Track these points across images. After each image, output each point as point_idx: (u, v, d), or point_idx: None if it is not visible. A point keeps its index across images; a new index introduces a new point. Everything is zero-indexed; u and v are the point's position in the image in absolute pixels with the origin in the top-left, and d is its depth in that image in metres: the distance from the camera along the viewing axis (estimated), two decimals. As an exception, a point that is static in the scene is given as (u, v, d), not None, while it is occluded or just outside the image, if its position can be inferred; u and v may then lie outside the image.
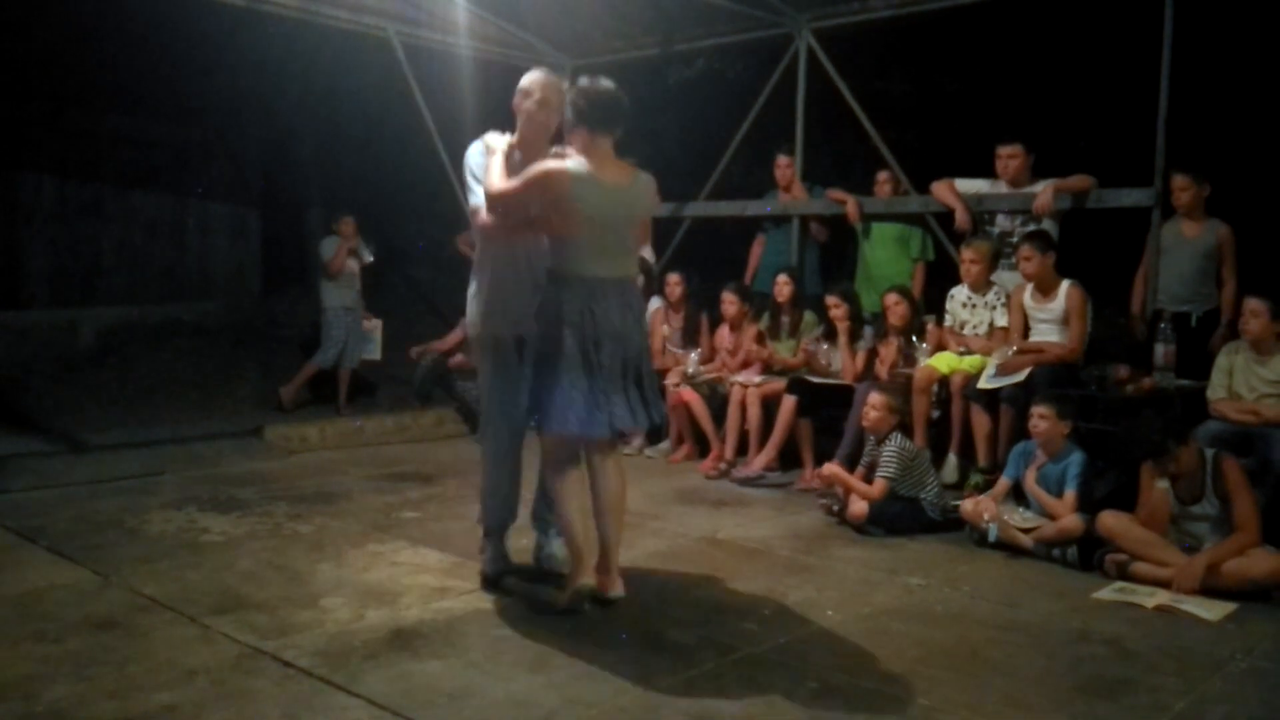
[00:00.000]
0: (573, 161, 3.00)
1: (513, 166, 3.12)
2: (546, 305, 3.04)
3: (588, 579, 3.18)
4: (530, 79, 3.21)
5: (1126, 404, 4.37)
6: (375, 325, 6.77)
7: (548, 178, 2.96)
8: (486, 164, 3.15)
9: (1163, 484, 3.56)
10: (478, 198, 3.19)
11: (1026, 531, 3.90)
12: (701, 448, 5.58)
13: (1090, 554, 3.72)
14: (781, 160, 6.18)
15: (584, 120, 3.02)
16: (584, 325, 2.98)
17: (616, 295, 3.05)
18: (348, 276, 6.53)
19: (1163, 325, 4.50)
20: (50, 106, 7.26)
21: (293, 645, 2.84)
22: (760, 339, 5.67)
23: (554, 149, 3.19)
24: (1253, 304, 4.04)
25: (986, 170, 5.32)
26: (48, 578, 3.39)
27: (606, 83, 3.08)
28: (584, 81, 3.09)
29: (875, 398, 4.35)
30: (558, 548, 3.46)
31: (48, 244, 7.53)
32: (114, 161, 7.75)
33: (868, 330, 5.36)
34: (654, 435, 5.86)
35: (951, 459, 4.81)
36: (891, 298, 5.18)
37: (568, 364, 2.96)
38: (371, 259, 6.64)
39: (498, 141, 3.21)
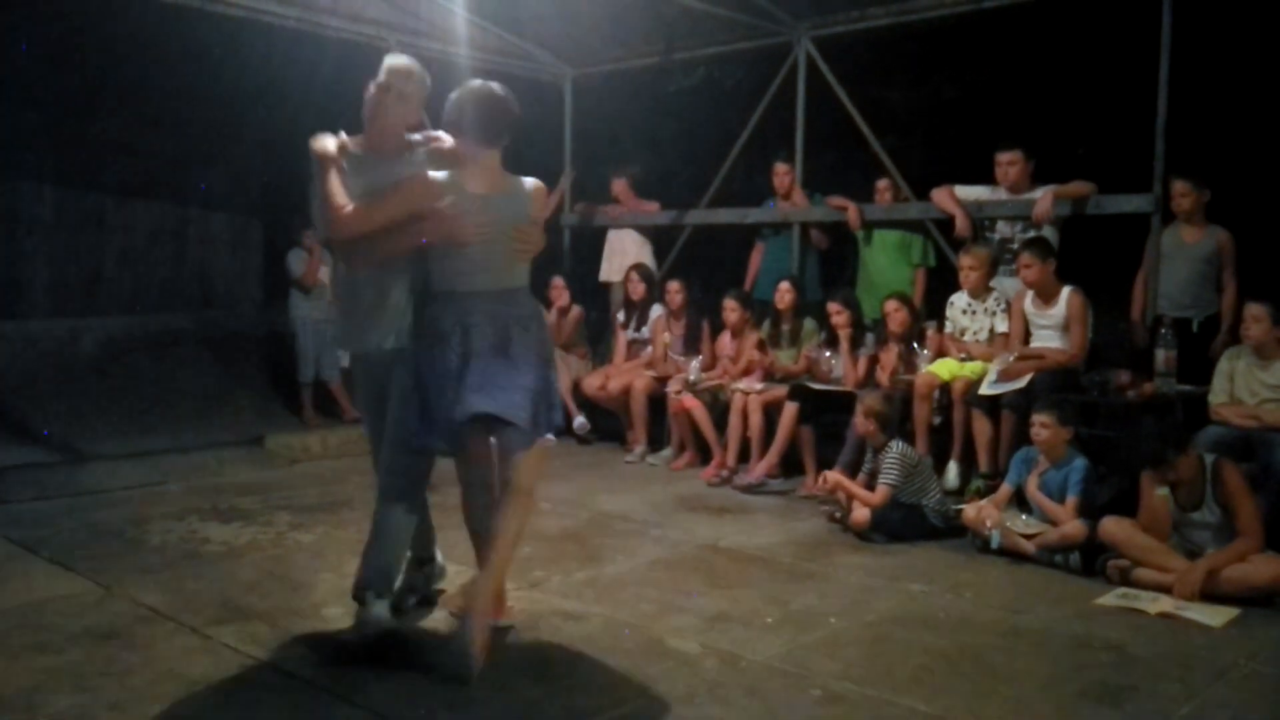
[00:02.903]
0: (443, 172, 2.84)
1: (364, 170, 2.86)
2: (423, 322, 2.87)
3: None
4: (394, 67, 2.91)
5: (1128, 410, 4.37)
6: None
7: (421, 190, 2.79)
8: (319, 173, 2.83)
9: (1163, 491, 3.56)
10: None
11: (1029, 538, 3.90)
12: (703, 455, 5.58)
13: (1093, 560, 3.72)
14: (780, 168, 6.19)
15: (466, 129, 2.82)
16: (456, 341, 2.79)
17: (494, 308, 2.84)
18: (319, 288, 6.54)
19: (1163, 331, 4.50)
20: (50, 116, 7.27)
21: (295, 655, 2.84)
22: (761, 346, 5.67)
23: (417, 137, 2.99)
24: (1254, 309, 4.04)
25: (986, 177, 5.34)
26: (49, 588, 3.38)
27: (497, 89, 2.85)
28: (475, 85, 2.85)
29: (857, 405, 4.37)
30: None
31: (48, 254, 7.53)
32: (114, 171, 7.75)
33: (869, 337, 5.36)
34: (656, 443, 5.88)
35: (953, 465, 4.81)
36: (892, 304, 5.18)
37: (436, 382, 2.80)
38: (330, 268, 6.61)
39: (326, 143, 2.87)
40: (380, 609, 2.88)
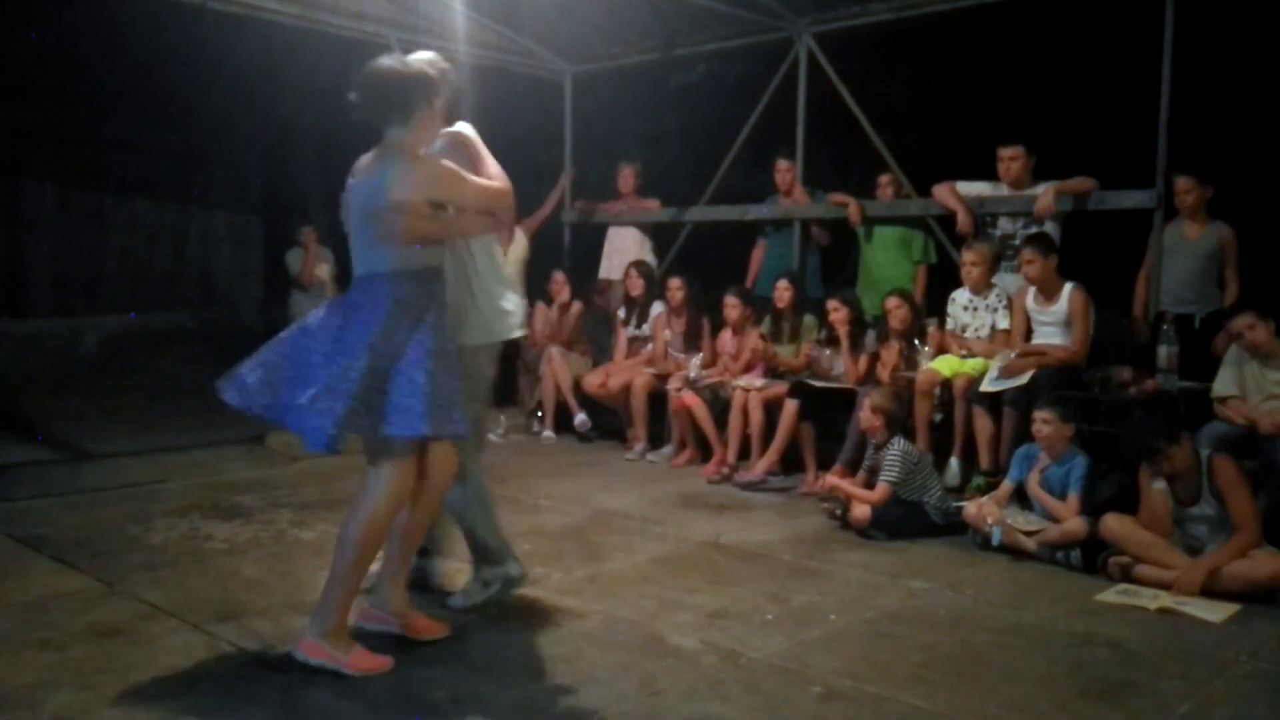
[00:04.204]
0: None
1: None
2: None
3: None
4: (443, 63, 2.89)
5: (1129, 406, 4.36)
6: None
7: None
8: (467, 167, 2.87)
9: (1160, 485, 3.56)
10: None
11: (1030, 535, 3.90)
12: (704, 452, 5.58)
13: (1094, 557, 3.71)
14: (781, 164, 6.19)
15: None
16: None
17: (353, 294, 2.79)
18: (317, 286, 6.55)
19: (1165, 327, 4.49)
20: (51, 115, 7.28)
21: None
22: (763, 340, 5.67)
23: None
24: (1244, 320, 3.98)
25: (988, 173, 5.32)
26: (51, 586, 3.39)
27: (381, 63, 2.77)
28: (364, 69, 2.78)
29: (864, 400, 4.36)
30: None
31: (50, 252, 7.55)
32: (115, 170, 7.77)
33: (869, 334, 5.36)
34: (656, 440, 5.88)
35: (954, 462, 4.81)
36: (892, 301, 5.18)
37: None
38: (329, 265, 6.64)
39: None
40: None
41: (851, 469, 4.58)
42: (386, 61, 2.78)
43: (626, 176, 6.90)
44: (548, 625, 3.09)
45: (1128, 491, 3.91)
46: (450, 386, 2.73)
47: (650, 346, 6.17)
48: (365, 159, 2.86)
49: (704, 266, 6.97)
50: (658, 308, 6.18)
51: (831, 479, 4.43)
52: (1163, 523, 3.58)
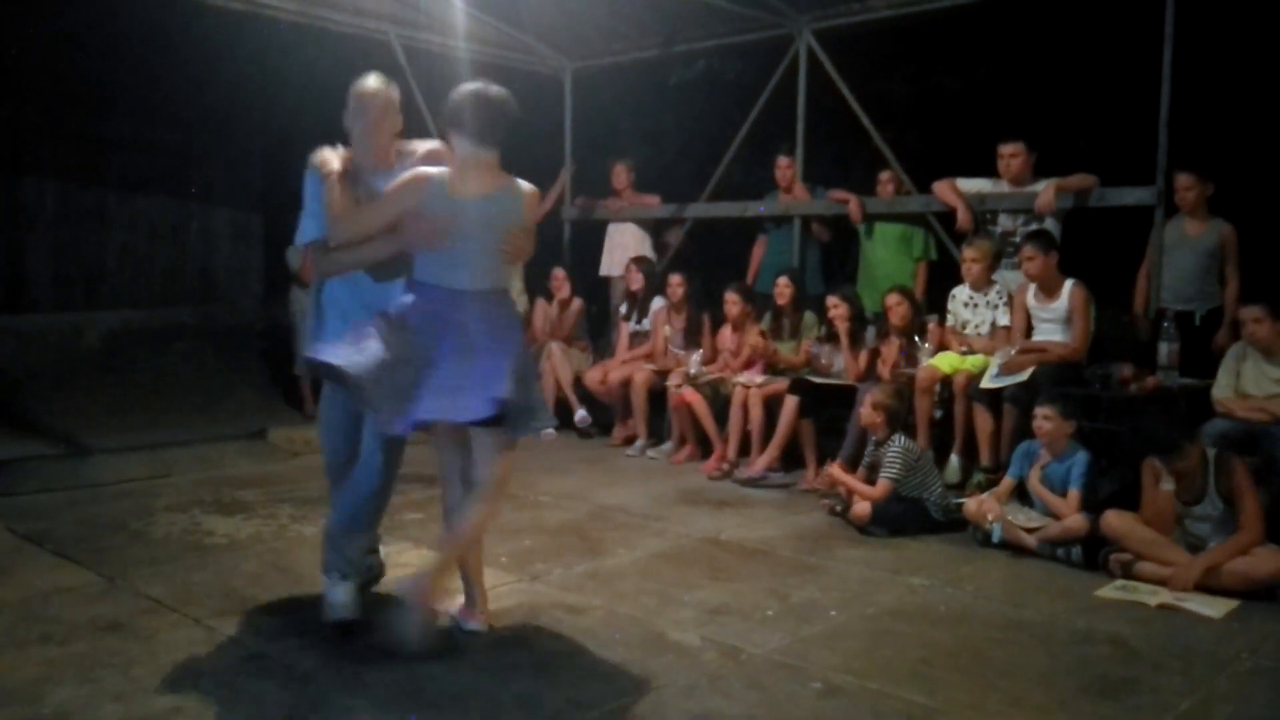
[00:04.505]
0: (436, 169, 2.87)
1: (373, 182, 2.94)
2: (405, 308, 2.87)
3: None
4: (368, 92, 2.96)
5: (1130, 403, 4.36)
6: None
7: (404, 188, 2.83)
8: (324, 192, 2.89)
9: (1168, 486, 3.55)
10: (301, 237, 3.02)
11: (1030, 531, 3.90)
12: (704, 448, 5.58)
13: (1094, 554, 3.72)
14: (782, 161, 6.19)
15: (463, 130, 2.84)
16: (426, 329, 2.80)
17: (476, 307, 2.84)
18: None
19: (1166, 324, 4.49)
20: (51, 111, 7.27)
21: (298, 647, 2.85)
22: (763, 336, 5.67)
23: (408, 146, 3.02)
24: (1251, 311, 4.02)
25: (988, 169, 5.32)
26: (53, 581, 3.39)
27: (495, 90, 2.88)
28: (474, 87, 2.87)
29: (865, 396, 4.36)
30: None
31: (51, 248, 7.54)
32: (116, 166, 7.76)
33: (869, 330, 5.36)
34: (657, 436, 5.89)
35: (954, 459, 4.81)
36: (893, 298, 5.18)
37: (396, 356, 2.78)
38: None
39: (331, 160, 2.93)
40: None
41: (851, 466, 4.58)
42: (496, 88, 2.90)
43: (620, 174, 6.90)
44: (548, 621, 3.09)
45: (1129, 488, 3.91)
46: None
47: (650, 341, 6.18)
48: (452, 172, 2.86)
49: (704, 263, 6.98)
50: (658, 303, 6.18)
51: (834, 471, 4.43)
52: (1166, 522, 3.58)
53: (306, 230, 3.03)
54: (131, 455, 5.26)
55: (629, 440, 5.91)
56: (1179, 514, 3.59)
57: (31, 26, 6.84)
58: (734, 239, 6.96)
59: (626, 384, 5.94)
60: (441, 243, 2.81)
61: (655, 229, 7.03)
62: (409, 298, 2.87)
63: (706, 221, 6.87)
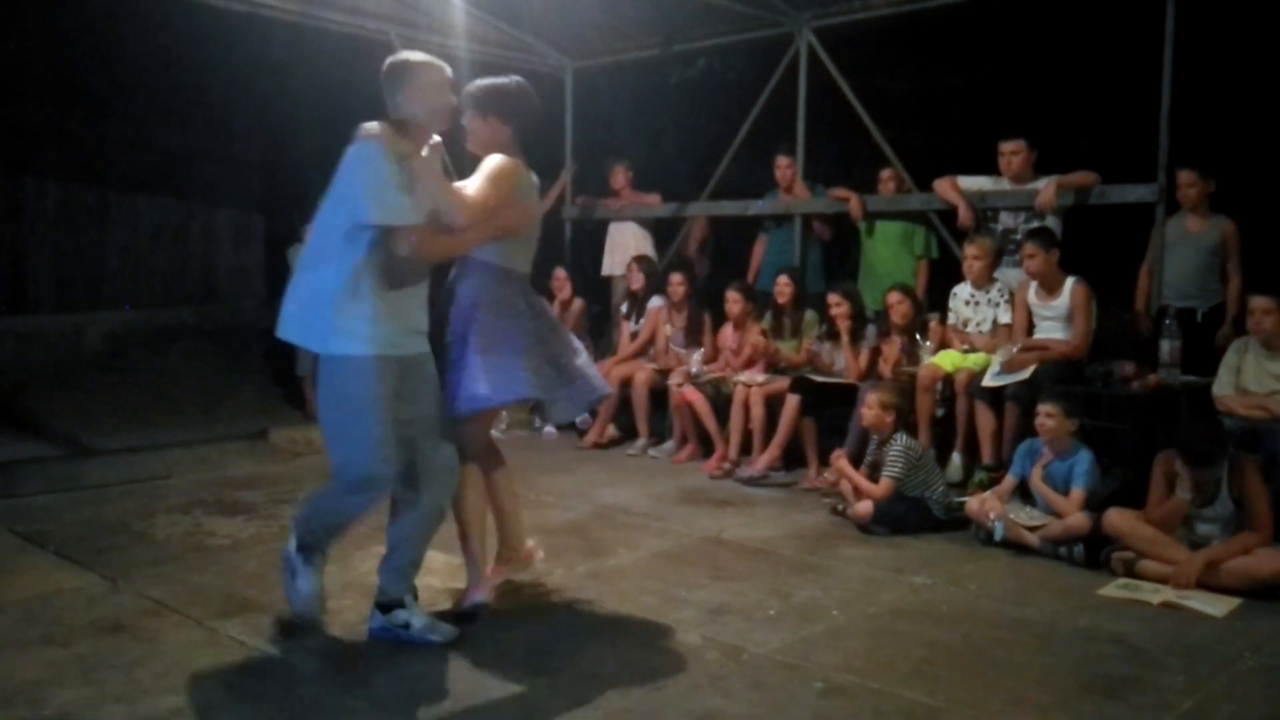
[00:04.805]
0: (514, 158, 2.97)
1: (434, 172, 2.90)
2: (495, 299, 2.98)
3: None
4: (445, 69, 2.85)
5: (1132, 401, 4.36)
6: None
7: (514, 174, 2.93)
8: (419, 175, 2.75)
9: (1186, 495, 3.52)
10: (413, 216, 2.72)
11: (1032, 530, 3.89)
12: (705, 447, 5.58)
13: (1096, 552, 3.71)
14: (781, 161, 6.17)
15: (511, 117, 2.99)
16: (532, 315, 3.04)
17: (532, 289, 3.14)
18: None
19: (1168, 321, 4.48)
20: (53, 112, 7.28)
21: (299, 648, 2.85)
22: (764, 335, 5.67)
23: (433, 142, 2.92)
24: (1262, 302, 4.01)
25: (989, 167, 5.32)
26: (55, 582, 3.40)
27: (517, 78, 3.08)
28: (512, 79, 3.06)
29: (870, 396, 4.35)
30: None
31: (52, 249, 7.56)
32: (117, 166, 7.77)
33: (870, 329, 5.35)
34: (658, 435, 5.88)
35: (956, 457, 4.81)
36: (894, 296, 5.17)
37: (527, 344, 2.97)
38: None
39: (395, 143, 2.73)
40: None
41: (853, 464, 4.57)
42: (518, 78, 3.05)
43: (617, 174, 6.90)
44: (550, 621, 3.10)
45: (1131, 486, 3.91)
46: None
47: (653, 341, 6.17)
48: (520, 160, 3.00)
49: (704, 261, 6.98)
50: (655, 302, 6.17)
51: (840, 463, 4.41)
52: (1173, 524, 3.57)
53: (395, 210, 2.69)
54: (133, 456, 5.26)
55: (598, 445, 5.87)
56: (1189, 514, 3.57)
57: (33, 27, 6.84)
58: (735, 238, 6.95)
59: (627, 384, 5.94)
60: (530, 229, 3.02)
61: (668, 225, 7.01)
62: (494, 284, 2.98)
63: (707, 220, 6.85)
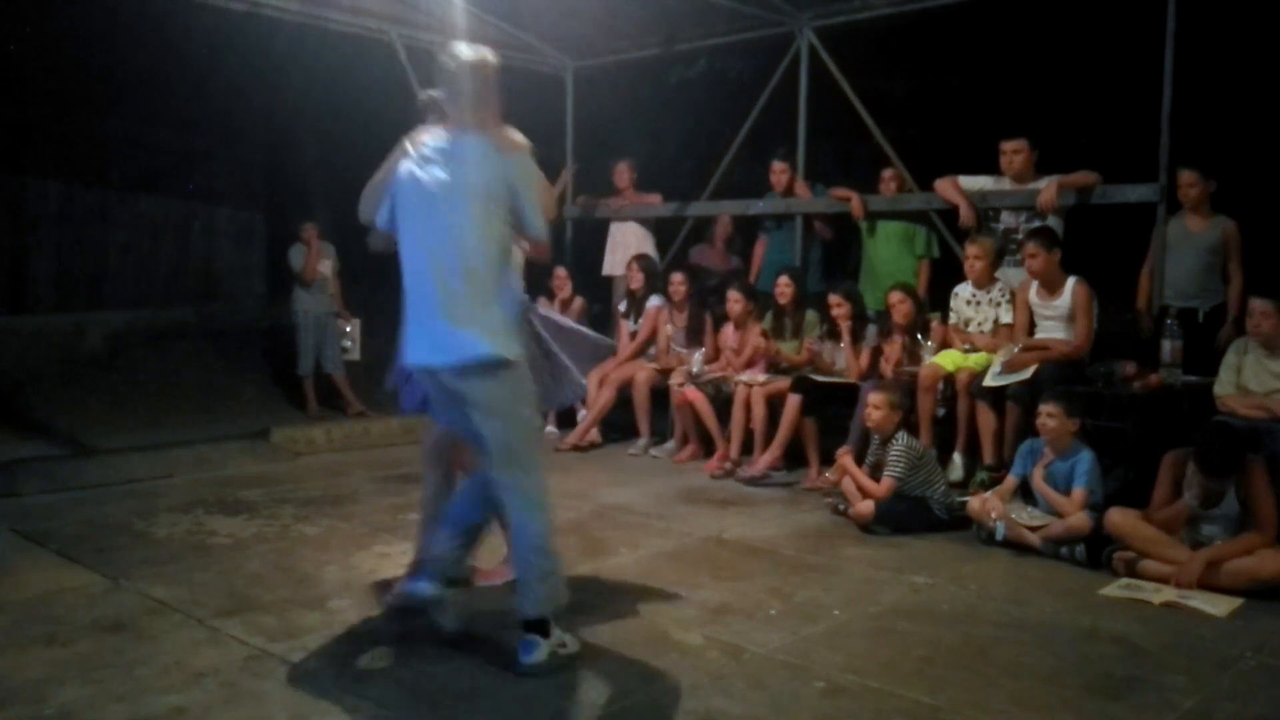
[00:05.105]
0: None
1: None
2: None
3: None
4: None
5: (1133, 401, 4.35)
6: (353, 325, 6.78)
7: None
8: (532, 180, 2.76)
9: (1193, 501, 3.52)
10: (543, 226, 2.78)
11: (1034, 529, 3.89)
12: (706, 447, 5.58)
13: (1098, 552, 3.71)
14: (776, 166, 6.14)
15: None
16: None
17: None
18: (320, 282, 6.58)
19: (1169, 321, 4.48)
20: (55, 112, 7.28)
21: (301, 647, 2.85)
22: (765, 335, 5.66)
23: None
24: (1261, 304, 4.00)
25: (990, 167, 5.31)
26: (56, 581, 3.40)
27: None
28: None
29: (876, 396, 4.34)
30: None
31: (54, 248, 7.57)
32: (119, 166, 7.78)
33: (871, 328, 5.35)
34: (659, 435, 5.88)
35: (957, 457, 4.80)
36: (895, 295, 5.17)
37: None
38: (331, 260, 6.65)
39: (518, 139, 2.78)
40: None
41: (855, 463, 4.57)
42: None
43: (622, 172, 6.90)
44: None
45: (1132, 486, 3.91)
46: None
47: (653, 340, 6.17)
48: None
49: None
50: (654, 301, 6.17)
51: (844, 460, 4.40)
52: (1176, 526, 3.57)
53: (543, 225, 2.76)
54: (134, 455, 5.26)
55: (578, 448, 5.86)
56: (1194, 514, 3.57)
57: (33, 26, 6.85)
58: (736, 237, 6.95)
59: (628, 384, 5.94)
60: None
61: (669, 224, 7.01)
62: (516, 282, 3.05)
63: (708, 220, 6.85)
